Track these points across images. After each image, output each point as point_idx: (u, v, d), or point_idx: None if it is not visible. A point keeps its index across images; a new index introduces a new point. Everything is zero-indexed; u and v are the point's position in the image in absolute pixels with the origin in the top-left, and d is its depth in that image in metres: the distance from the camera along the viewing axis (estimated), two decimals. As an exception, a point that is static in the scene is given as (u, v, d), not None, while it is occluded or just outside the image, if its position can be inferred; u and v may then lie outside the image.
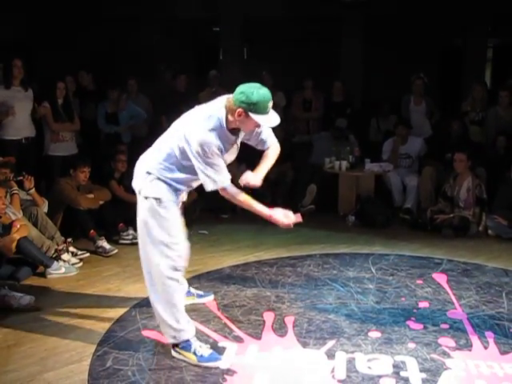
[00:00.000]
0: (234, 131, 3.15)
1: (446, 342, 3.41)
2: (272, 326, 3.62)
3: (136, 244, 5.24)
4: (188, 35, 8.99)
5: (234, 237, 5.68)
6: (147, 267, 3.24)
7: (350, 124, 7.21)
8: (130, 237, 5.43)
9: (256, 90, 2.99)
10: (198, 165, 3.06)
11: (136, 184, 3.26)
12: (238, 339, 3.45)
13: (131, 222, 5.52)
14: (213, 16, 8.82)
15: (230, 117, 3.05)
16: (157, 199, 3.14)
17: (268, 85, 8.21)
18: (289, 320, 3.70)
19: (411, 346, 3.35)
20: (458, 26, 8.72)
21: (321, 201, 6.68)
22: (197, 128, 3.04)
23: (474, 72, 8.69)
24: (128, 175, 6.05)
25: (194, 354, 3.16)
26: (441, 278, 4.49)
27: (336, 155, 6.71)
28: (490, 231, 5.82)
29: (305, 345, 3.38)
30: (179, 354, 3.20)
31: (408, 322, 3.67)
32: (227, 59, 9.32)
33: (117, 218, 5.49)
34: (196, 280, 4.43)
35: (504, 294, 4.16)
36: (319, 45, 8.73)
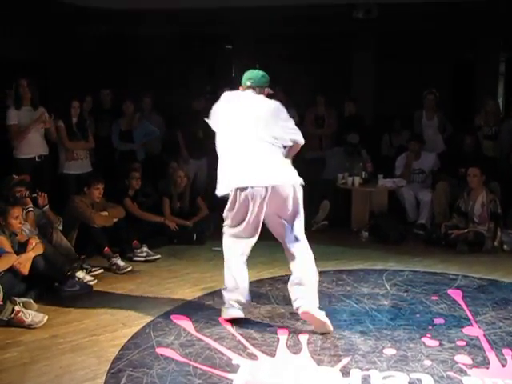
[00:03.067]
0: None
1: (463, 359, 3.37)
2: (286, 343, 3.60)
3: (149, 261, 5.38)
4: (201, 52, 9.07)
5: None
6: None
7: (362, 139, 7.22)
8: (144, 254, 5.45)
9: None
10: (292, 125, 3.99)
11: (285, 177, 3.83)
12: (252, 356, 3.43)
13: (145, 239, 5.59)
14: (225, 33, 8.91)
15: None
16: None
17: (282, 101, 8.25)
18: (303, 337, 3.68)
19: (427, 363, 3.32)
20: (470, 40, 8.74)
21: (334, 217, 6.66)
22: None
23: (486, 86, 8.69)
24: (142, 192, 6.19)
25: None
26: (456, 294, 4.45)
27: (349, 171, 6.71)
28: (505, 246, 5.77)
29: (319, 362, 3.36)
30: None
31: (423, 339, 3.63)
32: (240, 76, 9.39)
33: (131, 235, 5.52)
34: (210, 297, 4.43)
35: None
36: (331, 60, 8.77)
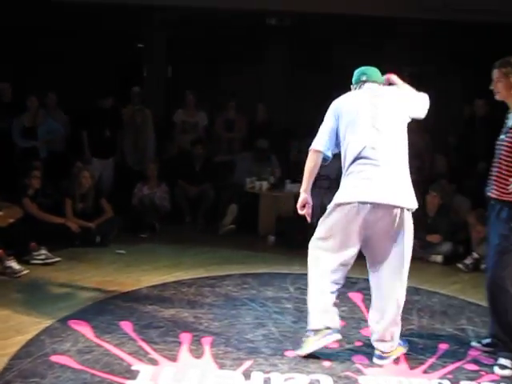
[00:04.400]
0: None
1: (360, 359, 3.47)
2: (189, 348, 3.55)
3: (48, 264, 5.14)
4: (112, 49, 8.83)
5: (153, 257, 5.56)
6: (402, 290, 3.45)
7: (272, 145, 7.32)
8: (43, 256, 5.20)
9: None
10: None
11: (406, 199, 3.26)
12: (154, 362, 3.36)
13: (44, 241, 5.33)
14: (137, 32, 8.74)
15: None
16: None
17: (191, 104, 8.21)
18: (206, 341, 3.65)
19: (326, 364, 3.39)
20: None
21: (242, 221, 6.70)
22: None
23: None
24: (43, 192, 5.92)
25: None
26: (356, 297, 4.59)
27: (257, 175, 6.77)
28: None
29: (222, 366, 3.34)
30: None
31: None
32: (151, 76, 9.26)
33: (28, 236, 5.24)
34: (112, 301, 4.30)
35: (415, 312, 4.32)
36: (243, 66, 8.83)
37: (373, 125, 3.29)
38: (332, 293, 3.44)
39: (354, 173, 3.29)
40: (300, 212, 3.52)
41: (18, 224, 5.25)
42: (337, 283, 3.44)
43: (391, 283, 3.39)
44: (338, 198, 3.34)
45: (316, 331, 3.42)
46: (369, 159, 3.25)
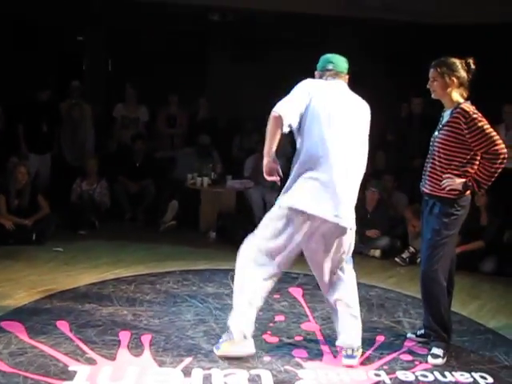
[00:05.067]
0: None
1: (300, 353, 3.51)
2: (128, 346, 3.50)
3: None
4: (51, 42, 8.55)
5: (92, 254, 5.44)
6: None
7: (213, 141, 7.29)
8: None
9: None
10: None
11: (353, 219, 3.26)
12: (91, 361, 3.28)
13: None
14: (77, 24, 8.50)
15: None
16: None
17: (132, 98, 8.06)
18: (145, 339, 3.60)
19: (266, 359, 3.41)
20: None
21: (182, 217, 6.65)
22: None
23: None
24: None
25: None
26: (297, 292, 4.65)
27: (198, 171, 6.74)
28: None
29: (161, 363, 3.30)
30: None
31: (264, 336, 3.73)
32: (91, 70, 9.04)
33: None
34: (48, 300, 4.17)
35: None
36: (186, 60, 8.75)
37: (341, 131, 3.18)
38: (258, 307, 3.40)
39: (313, 179, 3.14)
40: (269, 179, 3.24)
41: None
42: (266, 293, 3.41)
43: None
44: (293, 202, 3.18)
45: (235, 338, 3.36)
46: (330, 166, 3.13)
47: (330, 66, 3.35)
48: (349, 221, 3.22)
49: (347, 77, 3.40)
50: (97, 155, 7.13)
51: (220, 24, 8.54)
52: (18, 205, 5.92)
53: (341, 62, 3.39)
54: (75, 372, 3.14)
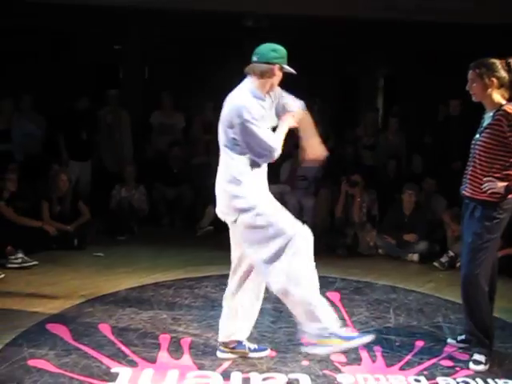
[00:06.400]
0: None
1: (338, 357, 3.50)
2: (168, 349, 3.56)
3: (25, 268, 5.09)
4: (88, 52, 8.77)
5: (131, 259, 5.55)
6: None
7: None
8: (19, 260, 5.15)
9: (279, 46, 3.20)
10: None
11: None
12: (132, 364, 3.35)
13: (21, 244, 5.28)
14: (113, 34, 8.69)
15: (265, 80, 3.16)
16: None
17: (168, 105, 8.14)
18: (185, 342, 3.65)
19: (305, 363, 3.42)
20: (354, 55, 9.19)
21: (219, 222, 6.68)
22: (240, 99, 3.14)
23: (367, 100, 9.19)
24: (19, 195, 5.85)
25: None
26: (334, 297, 4.64)
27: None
28: (380, 250, 6.12)
29: (201, 366, 3.35)
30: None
31: (302, 340, 3.73)
32: (128, 78, 9.22)
33: (4, 240, 5.18)
34: (90, 304, 4.28)
35: (391, 310, 4.37)
36: (220, 67, 8.84)
37: (219, 135, 3.45)
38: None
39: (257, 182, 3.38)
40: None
41: (-7, 228, 5.21)
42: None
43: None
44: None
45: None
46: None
47: (255, 58, 3.23)
48: (224, 214, 3.49)
49: (263, 66, 3.16)
50: (134, 162, 7.25)
51: (254, 30, 8.59)
52: (60, 211, 6.07)
53: (264, 51, 3.20)
54: (117, 374, 3.22)
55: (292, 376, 3.26)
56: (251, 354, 3.46)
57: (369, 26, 7.99)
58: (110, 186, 6.97)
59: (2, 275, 4.85)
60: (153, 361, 3.39)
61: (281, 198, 6.85)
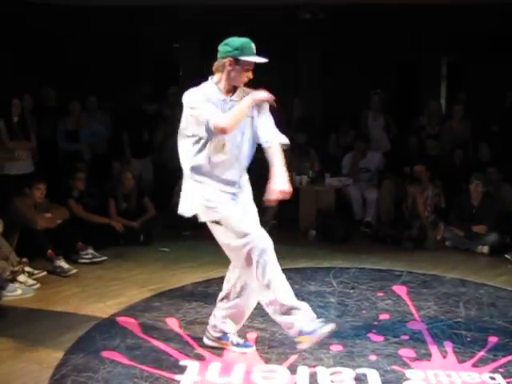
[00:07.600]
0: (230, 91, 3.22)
1: (407, 352, 3.44)
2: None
3: (95, 263, 5.26)
4: (147, 50, 8.94)
5: (196, 254, 5.63)
6: None
7: (310, 139, 7.29)
8: (90, 256, 5.34)
9: (236, 38, 3.22)
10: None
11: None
12: (200, 357, 3.41)
13: (90, 240, 5.47)
14: (172, 32, 8.82)
15: (221, 75, 3.21)
16: None
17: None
18: (251, 336, 3.68)
19: (372, 358, 3.37)
20: (414, 43, 8.95)
21: (282, 216, 6.70)
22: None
23: (429, 88, 8.92)
24: (87, 193, 6.05)
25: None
26: (401, 290, 4.55)
27: (296, 170, 6.75)
28: (447, 242, 5.95)
29: (267, 360, 3.36)
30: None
31: (369, 335, 3.69)
32: (187, 75, 9.33)
33: (75, 236, 5.38)
34: (157, 298, 4.38)
35: (461, 304, 4.25)
36: (278, 61, 8.81)
37: None
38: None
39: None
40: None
41: (66, 225, 5.41)
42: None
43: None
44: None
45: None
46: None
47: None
48: (181, 210, 3.50)
49: (217, 61, 3.26)
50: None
51: (310, 22, 8.50)
52: (126, 208, 6.23)
53: (223, 47, 3.27)
54: (186, 366, 3.28)
55: (359, 371, 3.22)
56: (232, 348, 3.47)
57: (437, 10, 7.75)
58: (171, 181, 7.08)
59: (75, 270, 5.03)
60: (220, 354, 3.43)
61: (343, 191, 6.83)
